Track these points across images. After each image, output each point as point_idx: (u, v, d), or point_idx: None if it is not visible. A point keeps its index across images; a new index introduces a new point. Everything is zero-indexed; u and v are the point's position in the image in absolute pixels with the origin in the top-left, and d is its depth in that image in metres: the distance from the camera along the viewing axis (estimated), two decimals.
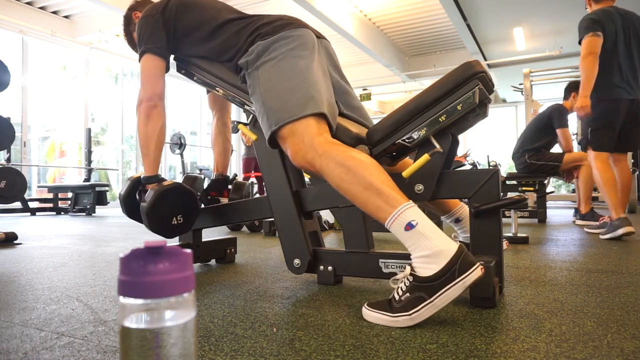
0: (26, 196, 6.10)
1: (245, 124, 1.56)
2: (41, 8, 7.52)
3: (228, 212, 1.69)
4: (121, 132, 9.76)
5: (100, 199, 6.25)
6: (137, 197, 1.59)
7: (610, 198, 2.65)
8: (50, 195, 6.70)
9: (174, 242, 2.03)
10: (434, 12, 7.64)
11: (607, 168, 2.72)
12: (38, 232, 3.43)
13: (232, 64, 1.44)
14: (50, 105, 9.92)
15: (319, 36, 1.44)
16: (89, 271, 1.74)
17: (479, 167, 7.24)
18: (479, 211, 1.21)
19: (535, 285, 1.42)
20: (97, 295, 1.33)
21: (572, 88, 3.90)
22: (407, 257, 1.28)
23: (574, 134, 6.33)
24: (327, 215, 4.33)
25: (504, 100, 12.81)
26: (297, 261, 1.44)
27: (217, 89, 1.54)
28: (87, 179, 6.83)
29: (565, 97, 3.95)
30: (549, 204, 6.98)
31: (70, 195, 6.58)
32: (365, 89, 10.10)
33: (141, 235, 3.22)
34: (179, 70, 1.63)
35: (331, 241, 2.73)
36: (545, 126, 3.90)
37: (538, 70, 6.84)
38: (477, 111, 1.20)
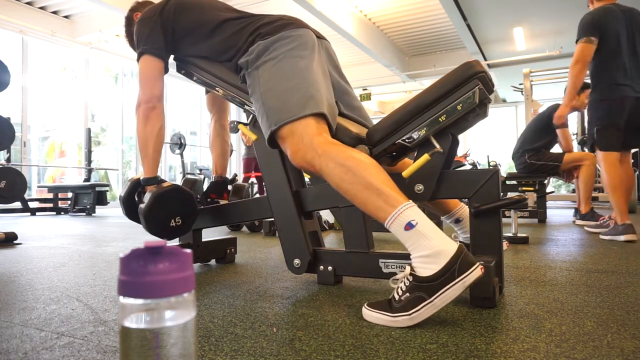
0: (26, 196, 6.10)
1: (245, 124, 1.56)
2: (41, 8, 7.52)
3: (228, 212, 1.69)
4: (121, 132, 9.76)
5: (100, 199, 6.25)
6: (136, 198, 1.59)
7: (618, 203, 2.60)
8: (50, 195, 6.70)
9: (174, 242, 2.03)
10: (434, 12, 7.64)
11: (616, 171, 2.64)
12: (38, 232, 3.43)
13: (232, 63, 1.44)
14: (50, 105, 9.92)
15: (319, 36, 1.44)
16: (89, 271, 1.74)
17: (479, 167, 7.24)
18: (479, 211, 1.21)
19: (535, 285, 1.42)
20: (97, 295, 1.33)
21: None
22: (407, 257, 1.28)
23: (573, 134, 6.34)
24: (327, 215, 4.33)
25: (504, 100, 12.82)
26: (297, 261, 1.44)
27: (216, 89, 1.54)
28: (87, 179, 6.83)
29: None
30: (549, 204, 6.98)
31: (70, 195, 6.58)
32: (365, 89, 10.09)
33: (141, 235, 3.22)
34: (178, 70, 1.63)
35: (331, 241, 2.73)
36: (545, 126, 3.90)
37: (538, 70, 6.85)
38: (477, 111, 1.20)
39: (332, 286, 1.43)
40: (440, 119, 1.19)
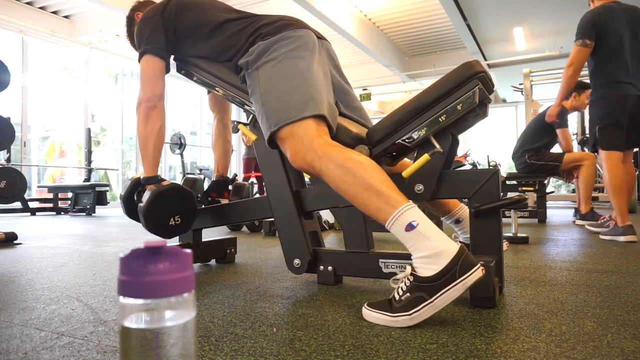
0: (26, 196, 6.10)
1: (245, 124, 1.56)
2: (41, 8, 7.52)
3: (228, 212, 1.69)
4: (121, 132, 9.76)
5: (100, 199, 6.24)
6: (136, 197, 1.59)
7: (619, 204, 2.59)
8: (50, 195, 6.70)
9: (174, 242, 2.03)
10: (434, 12, 7.64)
11: (618, 172, 2.62)
12: (38, 232, 3.43)
13: (232, 63, 1.44)
14: (50, 105, 9.92)
15: (320, 37, 1.44)
16: (89, 271, 1.74)
17: (479, 167, 7.24)
18: (479, 211, 1.21)
19: (535, 285, 1.42)
20: (97, 295, 1.33)
21: (574, 88, 3.89)
22: (407, 257, 1.28)
23: (573, 134, 6.34)
24: (327, 215, 4.33)
25: (504, 100, 12.82)
26: (297, 261, 1.44)
27: (216, 89, 1.54)
28: (87, 179, 6.83)
29: (566, 97, 3.94)
30: (549, 204, 6.98)
31: (70, 195, 6.58)
32: (365, 89, 10.10)
33: (141, 235, 3.22)
34: (179, 70, 1.63)
35: (331, 241, 2.73)
36: (545, 126, 3.90)
37: (538, 70, 6.85)
38: (477, 111, 1.20)
39: (332, 286, 1.43)
40: (440, 119, 1.19)
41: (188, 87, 10.54)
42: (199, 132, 11.48)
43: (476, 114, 1.22)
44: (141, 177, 1.56)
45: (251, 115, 1.52)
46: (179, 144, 8.50)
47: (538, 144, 3.90)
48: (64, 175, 10.65)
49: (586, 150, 5.42)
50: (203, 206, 1.79)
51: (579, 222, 3.69)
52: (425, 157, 1.20)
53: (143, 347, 0.44)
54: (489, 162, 7.31)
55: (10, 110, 7.29)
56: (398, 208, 1.03)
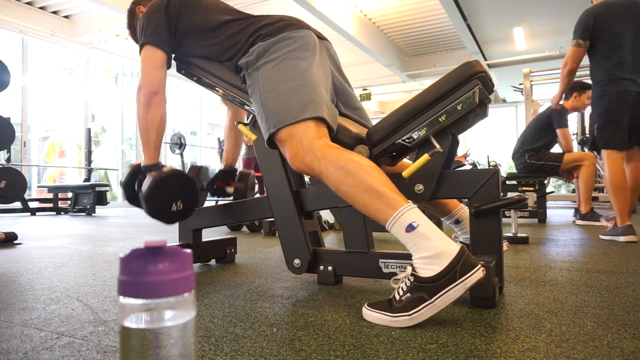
0: (26, 196, 6.10)
1: (245, 124, 1.56)
2: (41, 8, 7.52)
3: (228, 212, 1.69)
4: (121, 132, 9.76)
5: (100, 199, 6.24)
6: (137, 185, 1.57)
7: (619, 204, 2.57)
8: (50, 195, 6.70)
9: (174, 242, 2.03)
10: (434, 12, 7.64)
11: (618, 172, 2.57)
12: (38, 232, 3.43)
13: (232, 63, 1.44)
14: (50, 105, 9.92)
15: (321, 37, 1.44)
16: (89, 271, 1.74)
17: (479, 167, 7.25)
18: (479, 211, 1.21)
19: (535, 285, 1.42)
20: (97, 295, 1.33)
21: (574, 88, 3.89)
22: (407, 257, 1.28)
23: (573, 134, 6.34)
24: (327, 215, 4.33)
25: (504, 100, 12.82)
26: (297, 261, 1.44)
27: (216, 89, 1.54)
28: (87, 179, 6.83)
29: (566, 97, 3.94)
30: (549, 204, 6.98)
31: (70, 195, 6.58)
32: (365, 89, 10.10)
33: (141, 235, 3.22)
34: (179, 70, 1.63)
35: (331, 241, 2.73)
36: (545, 126, 3.90)
37: (538, 70, 6.84)
38: (477, 111, 1.20)
39: (332, 286, 1.43)
40: (440, 119, 1.19)
41: (188, 87, 10.54)
42: (199, 132, 11.48)
43: (476, 114, 1.22)
44: (142, 165, 1.54)
45: (251, 115, 1.52)
46: (179, 144, 8.50)
47: (538, 144, 3.91)
48: (64, 175, 10.65)
49: (586, 150, 5.42)
50: (209, 194, 1.78)
51: (579, 222, 3.70)
52: (425, 157, 1.20)
53: (143, 347, 0.44)
54: (489, 162, 7.31)
55: (10, 110, 7.29)
56: (398, 209, 1.03)
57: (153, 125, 1.47)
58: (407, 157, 1.53)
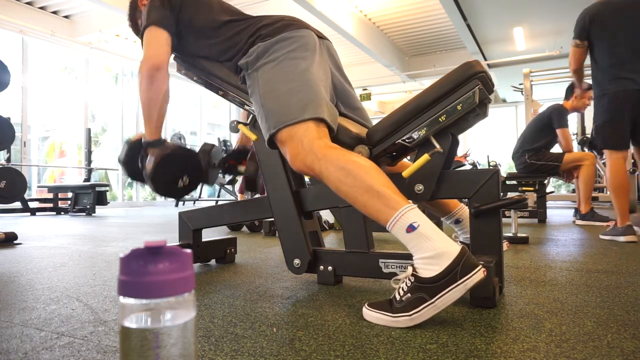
0: (26, 196, 6.09)
1: (245, 124, 1.55)
2: (41, 8, 7.52)
3: (228, 212, 1.69)
4: (121, 132, 9.76)
5: (100, 199, 6.24)
6: (140, 162, 1.55)
7: (619, 204, 2.57)
8: (50, 195, 6.70)
9: (174, 242, 2.03)
10: (434, 12, 7.64)
11: (619, 171, 2.56)
12: (38, 232, 3.43)
13: (232, 63, 1.44)
14: (50, 105, 9.92)
15: (321, 36, 1.44)
16: (89, 271, 1.74)
17: (479, 167, 7.25)
18: (479, 211, 1.21)
19: (535, 285, 1.42)
20: (97, 295, 1.33)
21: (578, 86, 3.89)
22: (407, 257, 1.28)
23: (573, 134, 6.34)
24: (327, 215, 4.33)
25: (504, 100, 12.82)
26: (297, 261, 1.44)
27: (217, 89, 1.54)
28: (87, 179, 6.83)
29: (567, 97, 3.95)
30: (549, 204, 6.98)
31: (70, 195, 6.58)
32: (365, 89, 10.10)
33: (141, 235, 3.22)
34: (179, 70, 1.63)
35: (331, 241, 2.73)
36: (545, 126, 3.90)
37: (538, 70, 6.85)
38: (477, 111, 1.20)
39: (332, 286, 1.43)
40: (440, 119, 1.19)
41: (188, 87, 10.54)
42: (199, 132, 11.48)
43: (476, 114, 1.22)
44: (143, 141, 1.51)
45: (251, 115, 1.52)
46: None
47: (538, 144, 3.91)
48: (64, 175, 10.65)
49: (586, 150, 5.42)
50: (221, 173, 1.76)
51: (579, 222, 3.70)
52: (425, 157, 1.20)
53: (143, 347, 0.44)
54: (489, 162, 7.32)
55: (10, 110, 7.29)
56: (399, 209, 1.03)
57: (156, 101, 1.43)
58: (407, 157, 1.53)
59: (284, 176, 1.48)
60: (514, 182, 4.10)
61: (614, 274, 1.59)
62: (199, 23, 1.48)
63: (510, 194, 4.10)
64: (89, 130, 7.21)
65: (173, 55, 1.59)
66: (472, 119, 1.25)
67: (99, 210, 6.94)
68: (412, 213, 1.03)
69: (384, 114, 12.54)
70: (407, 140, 1.24)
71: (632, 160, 5.26)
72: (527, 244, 2.46)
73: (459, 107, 1.17)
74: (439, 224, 2.63)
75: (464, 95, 1.17)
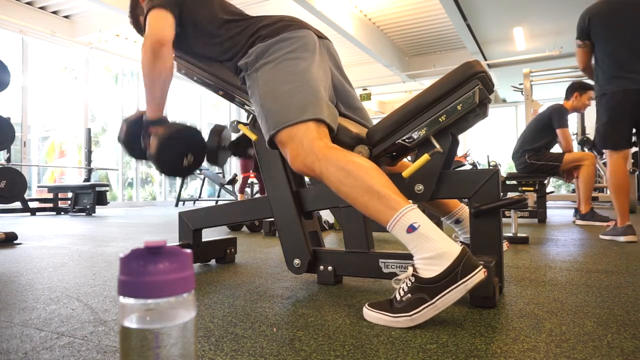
0: (26, 196, 6.09)
1: (245, 124, 1.55)
2: (41, 8, 7.52)
3: (228, 212, 1.69)
4: None
5: (100, 199, 6.24)
6: (142, 141, 1.51)
7: (619, 204, 2.56)
8: (50, 195, 6.70)
9: (174, 242, 2.03)
10: (434, 12, 7.64)
11: (619, 171, 2.56)
12: (38, 232, 3.43)
13: (232, 64, 1.44)
14: (50, 105, 9.92)
15: (321, 36, 1.44)
16: (89, 271, 1.74)
17: (479, 167, 7.25)
18: (479, 211, 1.21)
19: (535, 285, 1.42)
20: (97, 295, 1.33)
21: (575, 88, 3.89)
22: (407, 257, 1.28)
23: (573, 134, 6.34)
24: (327, 215, 4.33)
25: (504, 100, 12.82)
26: (297, 261, 1.44)
27: (217, 89, 1.54)
28: (87, 179, 6.83)
29: (567, 97, 3.95)
30: (549, 204, 6.99)
31: (70, 195, 6.58)
32: (365, 89, 10.10)
33: (141, 235, 3.22)
34: (179, 70, 1.63)
35: (331, 241, 2.73)
36: (545, 126, 3.90)
37: (538, 70, 6.85)
38: (477, 111, 1.20)
39: (332, 286, 1.43)
40: (440, 119, 1.19)
41: (188, 87, 10.54)
42: None
43: (476, 114, 1.22)
44: (144, 119, 1.47)
45: (251, 115, 1.52)
46: None
47: (538, 144, 3.91)
48: (64, 175, 10.65)
49: (586, 150, 5.42)
50: (231, 154, 1.75)
51: (579, 222, 3.70)
52: (425, 157, 1.20)
53: (143, 347, 0.44)
54: (489, 162, 7.32)
55: (10, 110, 7.29)
56: (399, 210, 1.03)
57: (159, 77, 1.39)
58: (408, 157, 1.53)
59: (284, 176, 1.48)
60: (514, 182, 4.10)
61: (614, 274, 1.59)
62: (200, 20, 1.46)
63: (510, 194, 4.10)
64: (89, 130, 7.21)
65: (174, 55, 1.59)
66: (472, 119, 1.25)
67: (99, 210, 6.94)
68: (413, 213, 1.03)
69: (384, 114, 12.54)
70: (407, 140, 1.24)
71: (632, 160, 5.27)
72: (527, 244, 2.46)
73: (459, 107, 1.17)
74: (439, 224, 2.63)
75: (464, 95, 1.17)
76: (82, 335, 0.96)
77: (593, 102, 3.10)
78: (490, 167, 4.73)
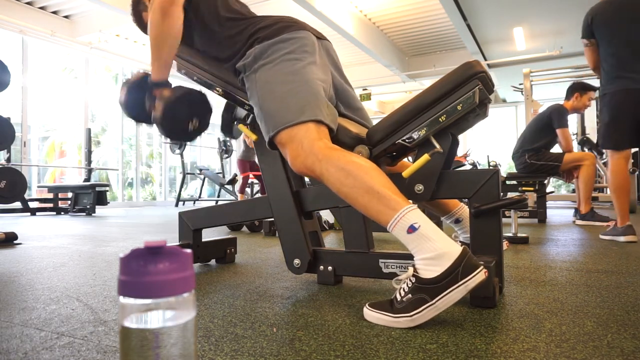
0: (26, 196, 6.09)
1: (245, 124, 1.55)
2: (41, 8, 7.52)
3: (228, 212, 1.69)
4: (121, 132, 9.76)
5: (100, 199, 6.24)
6: (147, 101, 1.47)
7: (619, 204, 2.56)
8: (50, 195, 6.70)
9: (174, 242, 2.03)
10: (434, 12, 7.65)
11: (619, 171, 2.56)
12: (38, 232, 3.43)
13: (230, 65, 1.43)
14: (50, 105, 9.93)
15: (320, 37, 1.43)
16: (89, 271, 1.74)
17: (479, 167, 7.25)
18: (479, 211, 1.21)
19: (535, 285, 1.42)
20: (97, 295, 1.33)
21: (576, 88, 3.89)
22: (407, 257, 1.28)
23: (573, 134, 6.34)
24: (327, 215, 4.33)
25: (504, 100, 12.82)
26: (297, 261, 1.44)
27: (216, 89, 1.54)
28: (87, 179, 6.83)
29: (567, 98, 3.95)
30: (549, 204, 6.99)
31: (70, 195, 6.58)
32: (365, 89, 10.10)
33: (141, 235, 3.22)
34: (178, 70, 1.62)
35: (331, 241, 2.73)
36: (545, 126, 3.90)
37: (538, 70, 6.85)
38: (477, 111, 1.20)
39: (332, 286, 1.43)
40: (440, 119, 1.19)
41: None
42: None
43: (476, 114, 1.22)
44: (149, 80, 1.44)
45: (251, 115, 1.52)
46: (179, 144, 8.50)
47: (538, 144, 3.91)
48: (64, 175, 10.66)
49: (586, 150, 5.42)
50: (246, 126, 1.72)
51: (579, 222, 3.70)
52: (425, 157, 1.20)
53: (143, 347, 0.44)
54: (489, 162, 7.32)
55: (10, 110, 7.29)
56: (399, 210, 1.03)
57: (168, 36, 1.36)
58: (407, 157, 1.53)
59: (284, 176, 1.48)
60: (514, 182, 4.10)
61: (614, 274, 1.59)
62: (202, 13, 1.45)
63: (510, 194, 4.10)
64: (89, 130, 7.21)
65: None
66: (472, 119, 1.25)
67: (99, 210, 6.94)
68: (413, 214, 1.03)
69: (384, 114, 12.54)
70: (407, 141, 1.24)
71: (632, 161, 5.27)
72: (527, 244, 2.46)
73: (459, 107, 1.17)
74: (439, 224, 2.63)
75: (464, 95, 1.17)
76: (82, 335, 0.96)
77: (593, 103, 3.10)
78: (490, 167, 4.73)
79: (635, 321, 1.03)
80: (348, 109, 1.44)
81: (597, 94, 3.74)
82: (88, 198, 6.21)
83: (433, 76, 9.81)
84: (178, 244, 1.75)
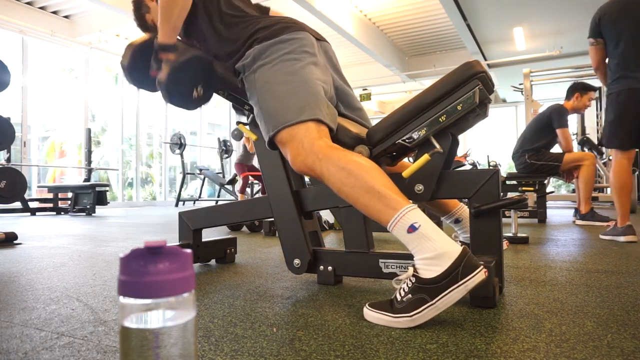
0: (26, 196, 6.09)
1: (245, 124, 1.55)
2: (41, 8, 7.52)
3: (228, 212, 1.69)
4: (121, 132, 9.75)
5: (100, 199, 6.24)
6: (153, 62, 1.45)
7: (620, 204, 2.56)
8: (50, 195, 6.70)
9: (174, 242, 2.03)
10: (434, 12, 7.65)
11: (621, 171, 2.56)
12: (38, 232, 3.43)
13: (230, 64, 1.43)
14: (50, 105, 9.93)
15: (319, 38, 1.43)
16: (89, 271, 1.74)
17: (479, 167, 7.25)
18: (479, 211, 1.21)
19: (535, 285, 1.42)
20: (97, 295, 1.33)
21: (576, 89, 3.89)
22: (407, 257, 1.28)
23: (573, 134, 6.34)
24: (327, 215, 4.33)
25: (504, 100, 12.82)
26: (297, 261, 1.44)
27: (217, 88, 1.54)
28: (87, 179, 6.83)
29: (567, 98, 3.95)
30: (549, 204, 6.99)
31: (70, 195, 6.58)
32: (365, 89, 10.10)
33: (141, 235, 3.22)
34: None
35: (331, 241, 2.73)
36: (545, 126, 3.90)
37: (538, 70, 6.85)
38: (477, 111, 1.20)
39: (332, 286, 1.43)
40: (440, 119, 1.19)
41: None
42: (198, 132, 11.48)
43: (476, 114, 1.22)
44: (156, 43, 1.40)
45: (251, 115, 1.52)
46: (179, 144, 8.51)
47: (538, 144, 3.91)
48: (64, 175, 10.66)
49: (586, 150, 5.42)
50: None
51: (579, 222, 3.70)
52: (425, 157, 1.20)
53: (143, 347, 0.44)
54: (489, 162, 7.32)
55: (10, 110, 7.29)
56: (399, 210, 1.03)
57: None
58: (407, 157, 1.53)
59: (284, 176, 1.48)
60: (514, 182, 4.10)
61: (614, 274, 1.59)
62: (207, 6, 1.44)
63: (510, 194, 4.10)
64: (89, 130, 7.21)
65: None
66: (472, 119, 1.25)
67: (99, 210, 6.94)
68: (413, 213, 1.03)
69: (384, 114, 12.54)
70: (407, 141, 1.24)
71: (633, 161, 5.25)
72: (527, 244, 2.46)
73: (459, 107, 1.17)
74: (439, 224, 2.63)
75: (464, 95, 1.17)
76: (82, 335, 0.96)
77: (593, 103, 3.10)
78: (490, 167, 4.73)
79: (635, 321, 1.03)
80: (348, 109, 1.44)
81: (597, 94, 3.73)
82: (88, 198, 6.21)
83: (433, 76, 9.81)
84: (178, 244, 1.75)
